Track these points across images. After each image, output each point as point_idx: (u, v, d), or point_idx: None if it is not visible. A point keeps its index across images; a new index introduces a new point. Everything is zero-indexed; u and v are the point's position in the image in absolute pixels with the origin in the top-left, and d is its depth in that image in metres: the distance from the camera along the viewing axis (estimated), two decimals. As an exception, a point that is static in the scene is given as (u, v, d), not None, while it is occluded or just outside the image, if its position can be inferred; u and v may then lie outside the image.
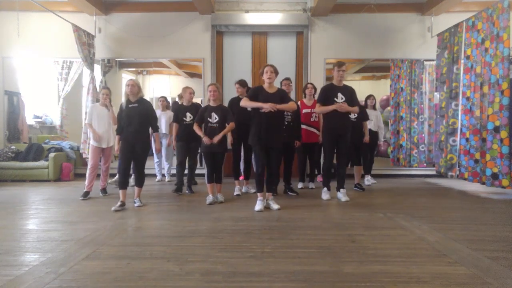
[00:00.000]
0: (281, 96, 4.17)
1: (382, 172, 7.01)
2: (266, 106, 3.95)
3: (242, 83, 5.06)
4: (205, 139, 4.31)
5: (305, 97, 5.37)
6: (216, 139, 4.29)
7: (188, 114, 4.99)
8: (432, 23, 6.84)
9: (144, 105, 4.32)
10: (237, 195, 4.96)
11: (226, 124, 4.40)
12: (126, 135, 4.27)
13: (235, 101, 4.99)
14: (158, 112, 6.13)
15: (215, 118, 4.35)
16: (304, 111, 5.16)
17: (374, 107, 6.03)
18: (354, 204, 4.48)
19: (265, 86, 4.17)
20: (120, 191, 4.27)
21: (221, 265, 2.43)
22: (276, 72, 4.15)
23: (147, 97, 8.67)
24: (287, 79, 5.15)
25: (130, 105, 4.25)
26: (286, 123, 4.71)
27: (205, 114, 4.38)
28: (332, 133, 4.51)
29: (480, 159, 5.17)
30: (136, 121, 4.20)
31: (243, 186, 5.14)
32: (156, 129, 4.46)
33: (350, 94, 4.53)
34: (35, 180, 6.29)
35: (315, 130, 5.23)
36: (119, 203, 4.19)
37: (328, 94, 4.52)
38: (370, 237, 3.08)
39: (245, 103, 4.12)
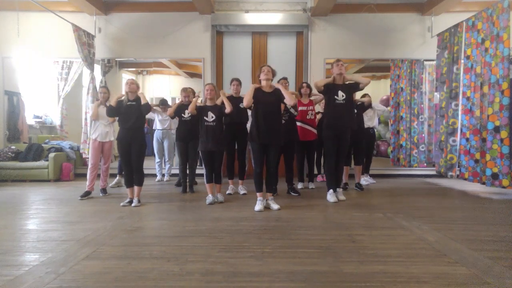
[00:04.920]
0: (278, 94, 4.19)
1: (382, 172, 7.02)
2: (256, 84, 4.14)
3: (240, 81, 5.11)
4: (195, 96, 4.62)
5: (301, 96, 5.38)
6: (221, 93, 4.57)
7: (187, 112, 5.01)
8: (432, 23, 6.85)
9: (140, 101, 4.41)
10: (229, 194, 5.02)
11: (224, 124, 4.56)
12: (122, 133, 4.36)
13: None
14: (160, 118, 6.15)
15: (212, 117, 4.39)
16: (300, 108, 5.16)
17: (370, 106, 6.02)
18: (354, 204, 4.48)
19: (263, 84, 4.19)
20: (127, 189, 4.44)
21: (221, 265, 2.42)
22: (273, 72, 4.19)
23: (147, 97, 8.71)
24: (284, 78, 5.15)
25: (128, 103, 4.36)
26: (283, 121, 4.71)
27: (202, 113, 4.43)
28: (333, 130, 4.50)
29: (480, 159, 5.17)
30: (133, 118, 4.33)
31: (239, 186, 5.15)
32: (147, 107, 4.43)
33: (350, 88, 4.56)
34: (35, 180, 6.29)
35: (311, 128, 5.24)
36: (127, 200, 4.41)
37: (329, 85, 4.55)
38: (370, 237, 3.08)
39: (245, 99, 4.13)
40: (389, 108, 7.56)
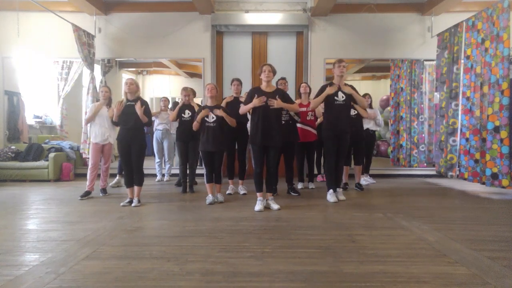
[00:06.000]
0: (281, 95, 4.18)
1: (382, 172, 7.03)
2: (256, 102, 4.03)
3: (240, 81, 5.15)
4: (206, 112, 4.36)
5: (300, 97, 5.38)
6: (220, 112, 4.35)
7: (187, 111, 5.02)
8: (432, 23, 6.85)
9: (141, 102, 4.39)
10: (229, 194, 5.02)
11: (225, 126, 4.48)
12: (122, 133, 4.35)
13: (227, 100, 5.03)
14: (158, 121, 6.14)
15: (213, 118, 4.38)
16: (299, 109, 5.15)
17: (370, 106, 6.03)
18: (354, 204, 4.48)
19: (263, 86, 4.19)
20: (127, 189, 4.44)
21: (221, 265, 2.43)
22: (274, 71, 4.18)
23: (147, 97, 8.74)
24: (283, 78, 5.16)
25: (127, 103, 4.35)
26: (283, 122, 4.70)
27: None
28: (333, 130, 4.50)
29: (480, 159, 5.17)
30: (133, 119, 4.30)
31: (239, 186, 5.15)
32: (148, 123, 4.48)
33: (351, 92, 4.52)
34: (35, 180, 6.29)
35: (311, 129, 5.23)
36: (127, 200, 4.40)
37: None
38: (370, 237, 3.08)
39: (242, 109, 4.23)
40: (389, 108, 7.56)
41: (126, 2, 6.97)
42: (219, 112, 4.34)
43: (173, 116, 5.02)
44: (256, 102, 4.02)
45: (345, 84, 4.56)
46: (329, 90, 4.44)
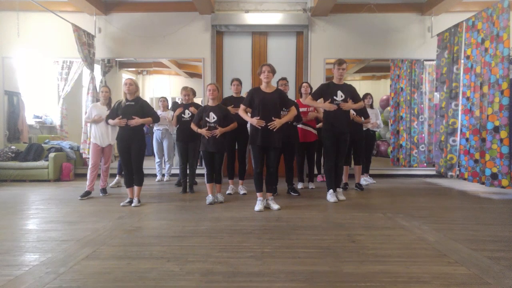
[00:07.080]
0: (280, 97, 4.19)
1: (382, 172, 7.03)
2: (254, 122, 4.05)
3: (240, 81, 5.15)
4: (205, 132, 4.33)
5: (301, 96, 5.37)
6: (219, 131, 4.32)
7: (187, 112, 5.02)
8: (432, 23, 6.85)
9: (141, 102, 4.39)
10: (229, 193, 5.02)
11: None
12: (122, 133, 4.34)
13: (228, 100, 5.02)
14: (159, 112, 6.15)
15: (213, 118, 4.36)
16: (300, 109, 5.14)
17: (371, 106, 6.03)
18: (354, 204, 4.48)
19: (262, 86, 4.19)
20: (127, 189, 4.44)
21: (221, 265, 2.43)
22: (273, 71, 4.16)
23: (147, 97, 8.73)
24: (283, 79, 5.14)
25: (127, 103, 4.33)
26: None
27: (203, 114, 4.40)
28: (332, 131, 4.50)
29: (479, 159, 5.17)
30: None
31: (239, 186, 5.15)
32: (156, 119, 4.50)
33: (350, 92, 4.51)
34: (35, 180, 6.29)
35: (311, 129, 5.23)
36: (127, 200, 4.41)
37: (325, 91, 4.51)
38: (370, 237, 3.08)
39: (242, 114, 4.25)
40: (388, 108, 7.56)
41: (126, 2, 6.98)
42: (219, 131, 4.32)
43: (174, 122, 5.12)
44: (255, 123, 4.05)
45: (345, 84, 4.56)
46: (327, 107, 4.45)
